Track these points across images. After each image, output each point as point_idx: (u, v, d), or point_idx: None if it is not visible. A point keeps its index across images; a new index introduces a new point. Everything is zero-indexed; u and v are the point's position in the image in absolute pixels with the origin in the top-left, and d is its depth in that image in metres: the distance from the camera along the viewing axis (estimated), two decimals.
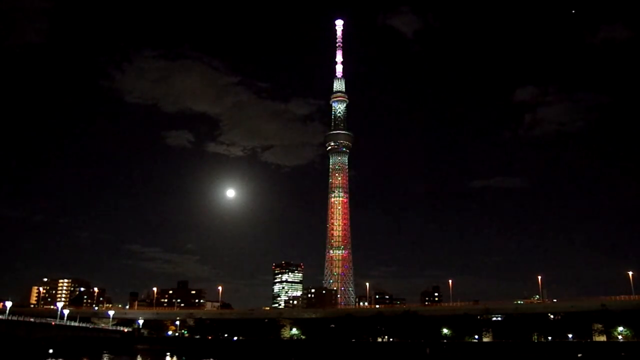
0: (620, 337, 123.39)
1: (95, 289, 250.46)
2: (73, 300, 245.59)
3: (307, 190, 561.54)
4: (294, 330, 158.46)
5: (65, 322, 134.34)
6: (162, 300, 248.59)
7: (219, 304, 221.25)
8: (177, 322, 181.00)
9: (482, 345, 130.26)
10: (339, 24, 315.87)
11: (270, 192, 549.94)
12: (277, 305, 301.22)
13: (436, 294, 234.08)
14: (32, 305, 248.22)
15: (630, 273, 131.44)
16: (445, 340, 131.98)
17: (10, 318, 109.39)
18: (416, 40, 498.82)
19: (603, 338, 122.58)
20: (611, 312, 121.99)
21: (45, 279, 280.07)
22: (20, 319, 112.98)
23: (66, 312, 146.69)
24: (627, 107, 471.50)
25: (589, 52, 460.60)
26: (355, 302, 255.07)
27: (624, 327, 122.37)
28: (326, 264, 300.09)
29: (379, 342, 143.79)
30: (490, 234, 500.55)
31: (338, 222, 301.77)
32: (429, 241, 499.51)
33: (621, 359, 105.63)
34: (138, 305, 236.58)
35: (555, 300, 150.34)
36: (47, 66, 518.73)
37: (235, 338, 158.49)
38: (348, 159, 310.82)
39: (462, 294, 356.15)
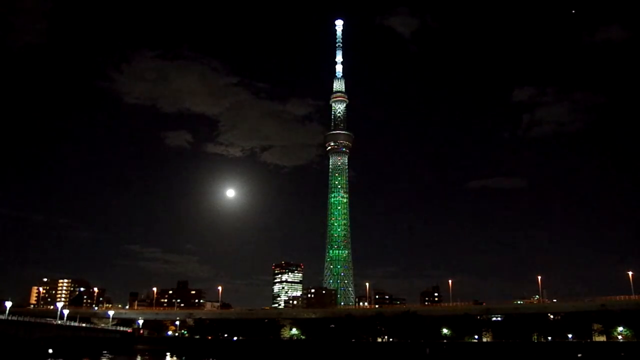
0: (620, 337, 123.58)
1: (95, 289, 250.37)
2: (73, 301, 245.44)
3: (307, 190, 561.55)
4: (294, 330, 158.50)
5: (65, 322, 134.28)
6: (162, 300, 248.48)
7: (218, 304, 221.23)
8: (177, 322, 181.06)
9: (482, 345, 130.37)
10: (339, 24, 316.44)
11: (270, 192, 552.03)
12: (277, 305, 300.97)
13: (436, 294, 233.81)
14: (32, 305, 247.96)
15: (630, 273, 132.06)
16: (445, 340, 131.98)
17: (10, 318, 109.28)
18: (414, 41, 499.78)
19: (603, 338, 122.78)
20: (611, 312, 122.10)
21: (45, 279, 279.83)
22: (20, 319, 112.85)
23: (66, 312, 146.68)
24: (625, 108, 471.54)
25: (587, 53, 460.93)
26: (355, 302, 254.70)
27: (623, 327, 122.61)
28: (326, 264, 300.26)
29: (379, 342, 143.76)
30: (490, 234, 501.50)
31: (338, 222, 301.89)
32: (428, 241, 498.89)
33: (621, 359, 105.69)
34: (138, 305, 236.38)
35: (555, 301, 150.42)
36: (46, 67, 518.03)
37: (235, 338, 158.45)
38: (348, 159, 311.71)
39: (462, 294, 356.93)
